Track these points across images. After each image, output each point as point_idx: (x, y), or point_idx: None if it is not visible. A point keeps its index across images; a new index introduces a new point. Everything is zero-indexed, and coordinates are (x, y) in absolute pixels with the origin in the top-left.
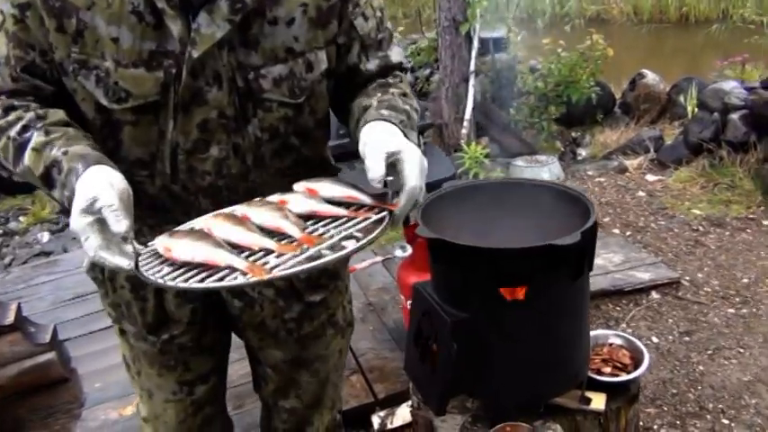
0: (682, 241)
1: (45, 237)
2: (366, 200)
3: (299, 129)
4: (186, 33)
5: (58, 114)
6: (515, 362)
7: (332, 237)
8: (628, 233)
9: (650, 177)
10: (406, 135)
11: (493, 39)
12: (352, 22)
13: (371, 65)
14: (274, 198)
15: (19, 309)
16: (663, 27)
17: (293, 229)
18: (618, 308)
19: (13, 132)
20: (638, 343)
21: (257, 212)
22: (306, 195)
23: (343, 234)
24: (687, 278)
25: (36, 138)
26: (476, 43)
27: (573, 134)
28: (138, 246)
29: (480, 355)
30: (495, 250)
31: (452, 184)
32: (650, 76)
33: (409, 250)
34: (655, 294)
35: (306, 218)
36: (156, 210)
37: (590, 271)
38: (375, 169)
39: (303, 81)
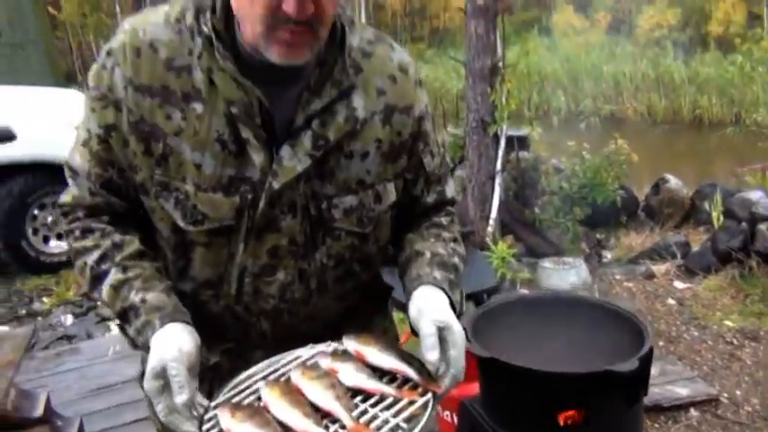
0: (717, 354)
1: (68, 320)
2: (413, 375)
3: (363, 256)
4: (268, 164)
5: (133, 244)
6: None
7: (379, 429)
8: (661, 343)
9: (679, 284)
10: (452, 300)
11: (517, 137)
12: (422, 159)
13: (430, 198)
14: (325, 363)
15: (48, 400)
16: (676, 128)
17: (345, 416)
18: (657, 424)
19: (90, 260)
20: None
21: (311, 387)
22: (355, 364)
23: (391, 424)
24: (725, 395)
25: (114, 275)
26: (503, 143)
27: (597, 236)
28: (201, 406)
29: None
30: (553, 374)
31: (502, 299)
32: (673, 181)
33: None
34: (694, 411)
35: (354, 391)
36: (215, 328)
37: (645, 396)
38: (431, 352)
39: (371, 212)
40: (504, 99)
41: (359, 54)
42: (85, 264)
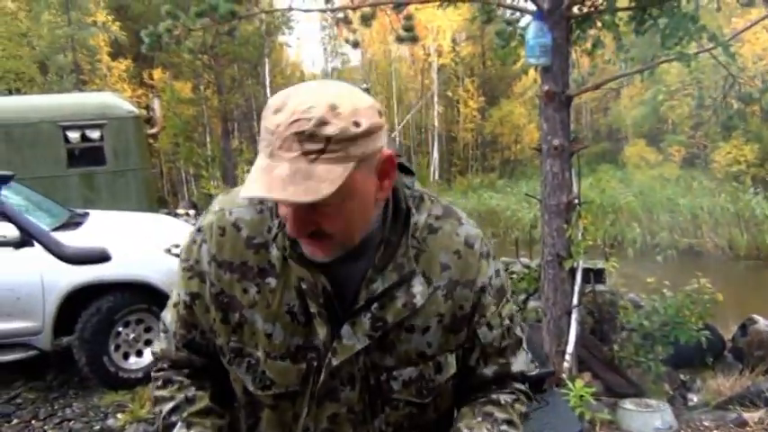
0: None
1: None
2: None
3: (422, 422)
4: (329, 339)
5: (203, 401)
6: None
7: None
8: None
9: None
10: None
11: (593, 270)
12: (476, 330)
13: (488, 370)
14: None
15: None
16: (760, 264)
17: None
18: None
19: (165, 410)
20: None
21: None
22: None
23: None
24: None
25: (179, 429)
26: (579, 278)
27: (682, 377)
28: None
29: None
30: None
31: None
32: (762, 322)
33: None
34: None
35: None
36: None
37: None
38: None
39: (431, 382)
40: (579, 235)
41: (425, 231)
42: (160, 411)
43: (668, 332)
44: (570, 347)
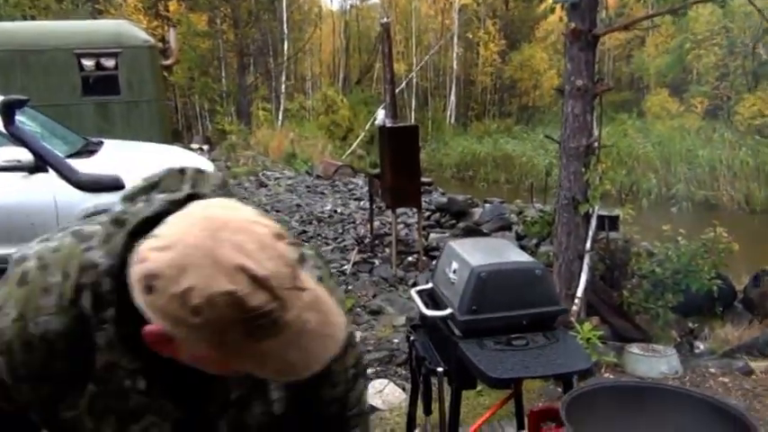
0: None
1: None
2: None
3: None
4: None
5: None
6: None
7: None
8: None
9: None
10: None
11: (608, 217)
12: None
13: None
14: None
15: None
16: None
17: None
18: None
19: None
20: None
21: None
22: None
23: None
24: None
25: None
26: (593, 223)
27: (690, 324)
28: None
29: None
30: None
31: (598, 384)
32: None
33: None
34: None
35: None
36: None
37: None
38: None
39: None
40: (597, 179)
41: None
42: None
43: (680, 280)
44: (580, 291)
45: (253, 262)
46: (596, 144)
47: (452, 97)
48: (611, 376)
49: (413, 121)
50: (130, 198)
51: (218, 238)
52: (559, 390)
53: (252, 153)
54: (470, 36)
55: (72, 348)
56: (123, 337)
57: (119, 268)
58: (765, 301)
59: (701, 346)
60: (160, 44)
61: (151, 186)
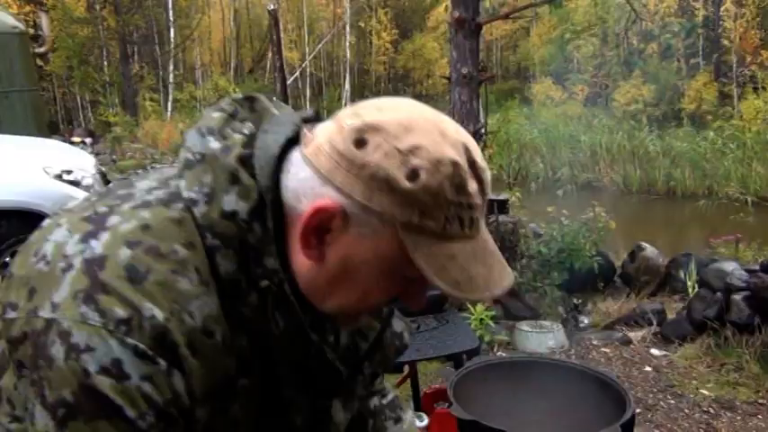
0: (693, 423)
1: None
2: None
3: None
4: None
5: None
6: None
7: None
8: (638, 410)
9: (655, 351)
10: None
11: (497, 201)
12: None
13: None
14: None
15: None
16: (651, 198)
17: None
18: None
19: None
20: None
21: None
22: None
23: None
24: None
25: None
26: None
27: (575, 301)
28: None
29: None
30: None
31: (483, 361)
32: (649, 249)
33: (426, 420)
34: None
35: None
36: None
37: None
38: None
39: None
40: None
41: None
42: None
43: (564, 258)
44: None
45: (472, 147)
46: (483, 130)
47: (347, 86)
48: (504, 354)
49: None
50: (218, 132)
51: (439, 116)
52: (453, 370)
53: (139, 146)
54: (362, 25)
55: (228, 338)
56: (280, 295)
57: (275, 202)
58: (640, 275)
59: (585, 321)
60: (31, 30)
61: (231, 116)
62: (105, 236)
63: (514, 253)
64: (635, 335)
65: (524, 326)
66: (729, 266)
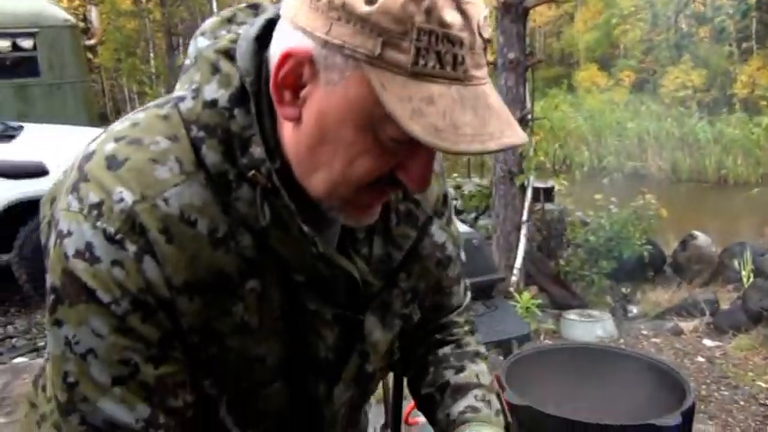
0: (749, 415)
1: None
2: None
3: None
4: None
5: None
6: None
7: None
8: None
9: (708, 342)
10: None
11: (543, 189)
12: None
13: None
14: None
15: None
16: (702, 187)
17: None
18: None
19: None
20: None
21: None
22: None
23: None
24: None
25: None
26: (529, 194)
27: (623, 290)
28: None
29: None
30: (592, 425)
31: (536, 348)
32: (702, 238)
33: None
34: None
35: None
36: None
37: None
38: None
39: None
40: (531, 151)
41: None
42: None
43: (612, 247)
44: (518, 262)
45: None
46: (529, 116)
47: None
48: (550, 342)
49: None
50: (210, 32)
51: None
52: (501, 358)
53: None
54: None
55: (218, 228)
56: (269, 187)
57: (255, 85)
58: (692, 265)
59: (634, 310)
60: (82, 23)
61: (228, 20)
62: (102, 136)
63: (561, 241)
64: (686, 325)
65: (571, 314)
66: None
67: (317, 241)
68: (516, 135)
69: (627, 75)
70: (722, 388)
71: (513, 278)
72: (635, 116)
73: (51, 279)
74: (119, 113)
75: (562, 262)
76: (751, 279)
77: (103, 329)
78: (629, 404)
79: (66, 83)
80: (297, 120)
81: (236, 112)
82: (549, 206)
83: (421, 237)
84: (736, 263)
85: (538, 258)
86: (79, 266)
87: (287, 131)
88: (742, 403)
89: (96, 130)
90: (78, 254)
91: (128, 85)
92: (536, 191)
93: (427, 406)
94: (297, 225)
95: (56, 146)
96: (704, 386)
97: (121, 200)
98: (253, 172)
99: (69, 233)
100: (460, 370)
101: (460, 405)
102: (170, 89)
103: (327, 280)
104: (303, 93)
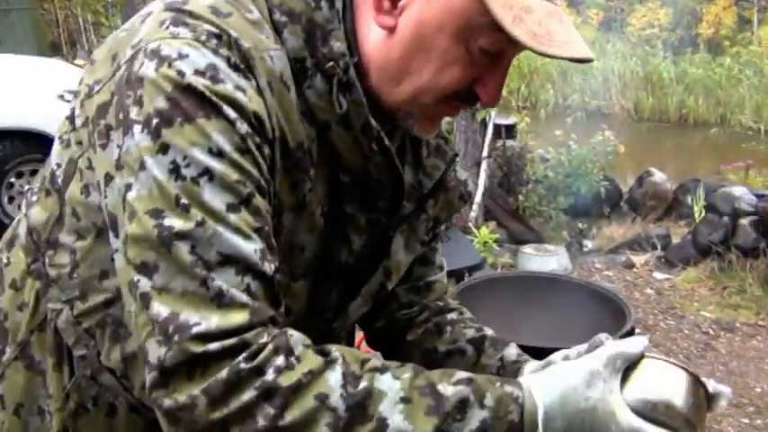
0: (692, 343)
1: None
2: None
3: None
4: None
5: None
6: None
7: None
8: (638, 330)
9: (658, 275)
10: None
11: (505, 125)
12: None
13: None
14: None
15: None
16: (662, 126)
17: None
18: None
19: (335, 397)
20: None
21: None
22: None
23: None
24: None
25: (395, 384)
26: (490, 129)
27: (579, 225)
28: None
29: None
30: (537, 349)
31: (484, 276)
32: (657, 175)
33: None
34: None
35: None
36: None
37: None
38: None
39: None
40: None
41: None
42: (326, 408)
43: (570, 183)
44: (478, 197)
45: None
46: None
47: None
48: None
49: None
50: None
51: None
52: (451, 288)
53: None
54: None
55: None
56: (345, 81)
57: None
58: (647, 201)
59: (589, 245)
60: None
61: None
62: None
63: (521, 178)
64: (638, 259)
65: (527, 248)
66: (738, 191)
67: (383, 135)
68: (589, 53)
69: (595, 13)
70: (668, 318)
71: (472, 213)
72: (601, 55)
73: (153, 104)
74: (74, 45)
75: (521, 198)
76: (702, 214)
77: (226, 146)
78: (572, 329)
79: (13, 9)
80: (392, 29)
81: (322, 3)
82: (510, 143)
83: (448, 167)
84: (689, 199)
85: (497, 194)
86: (200, 82)
87: (374, 39)
88: (686, 332)
89: (48, 60)
90: (198, 72)
91: (82, 15)
92: (498, 127)
93: (447, 361)
94: (364, 119)
95: (5, 76)
96: (651, 316)
97: (239, 40)
98: (331, 63)
99: (183, 56)
100: (480, 330)
101: (511, 352)
102: (127, 19)
103: (372, 185)
104: (402, 2)
